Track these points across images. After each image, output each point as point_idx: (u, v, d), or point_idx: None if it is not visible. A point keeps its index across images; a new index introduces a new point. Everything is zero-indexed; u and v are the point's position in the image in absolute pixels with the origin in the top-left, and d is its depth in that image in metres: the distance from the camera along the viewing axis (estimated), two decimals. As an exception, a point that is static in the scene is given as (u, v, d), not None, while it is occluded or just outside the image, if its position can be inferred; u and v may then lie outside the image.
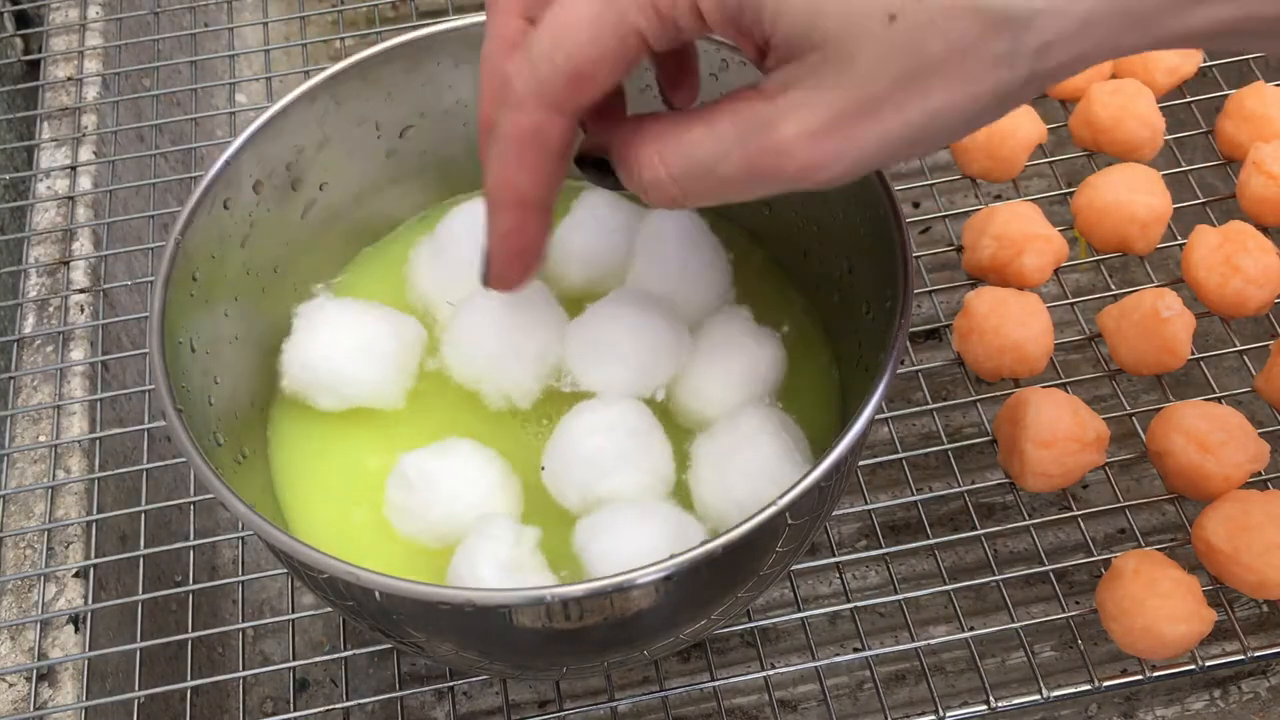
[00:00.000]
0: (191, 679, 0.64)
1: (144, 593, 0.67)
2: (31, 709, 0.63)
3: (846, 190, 0.58)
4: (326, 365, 0.58)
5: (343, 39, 0.94)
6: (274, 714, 0.73)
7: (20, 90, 0.92)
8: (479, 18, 0.63)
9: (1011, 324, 0.67)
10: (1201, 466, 0.63)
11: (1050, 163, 0.77)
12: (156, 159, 0.85)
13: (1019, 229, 0.70)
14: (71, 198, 0.82)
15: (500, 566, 0.52)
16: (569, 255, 0.62)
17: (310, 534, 0.59)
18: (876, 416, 0.50)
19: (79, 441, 0.71)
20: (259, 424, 0.62)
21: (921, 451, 0.69)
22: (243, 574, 0.68)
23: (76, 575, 0.67)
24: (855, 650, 0.70)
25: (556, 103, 0.39)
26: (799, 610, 0.64)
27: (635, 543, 0.52)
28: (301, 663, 0.66)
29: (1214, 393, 0.69)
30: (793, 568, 0.64)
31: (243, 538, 0.70)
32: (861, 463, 0.68)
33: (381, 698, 0.64)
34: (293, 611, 0.66)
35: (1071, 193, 0.74)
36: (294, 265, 0.64)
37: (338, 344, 0.58)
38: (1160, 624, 0.58)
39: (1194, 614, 0.59)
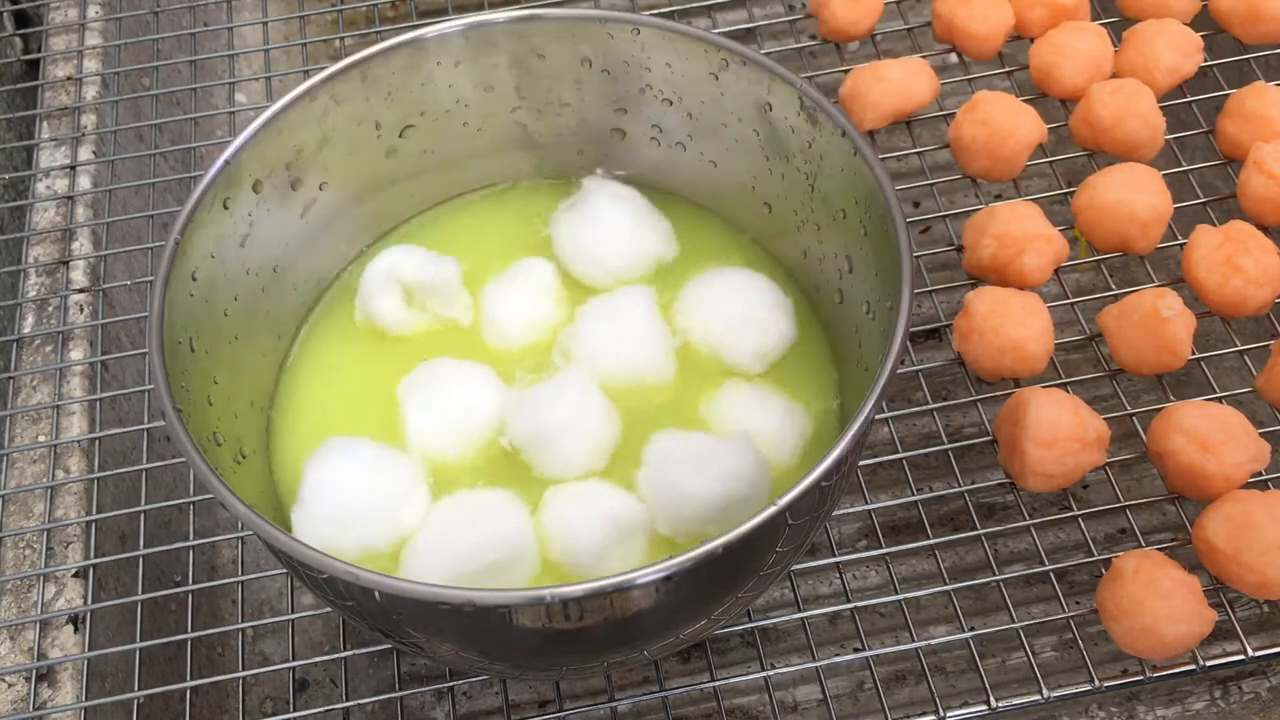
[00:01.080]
0: (191, 679, 0.64)
1: (144, 593, 0.66)
2: (31, 709, 0.62)
3: (846, 190, 0.58)
4: None
5: (343, 39, 0.94)
6: (274, 714, 0.73)
7: (20, 90, 0.92)
8: (479, 17, 0.63)
9: (1012, 324, 0.67)
10: (1202, 466, 0.62)
11: (1050, 162, 0.77)
12: (156, 159, 0.85)
13: (1019, 229, 0.70)
14: (71, 197, 0.82)
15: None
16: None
17: (310, 533, 0.59)
18: (876, 416, 0.50)
19: (78, 441, 0.71)
20: (259, 424, 0.62)
21: (921, 451, 0.69)
22: (242, 574, 0.68)
23: (76, 575, 0.67)
24: (855, 650, 0.70)
25: None
26: (799, 610, 0.64)
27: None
28: (301, 663, 0.66)
29: (1214, 393, 0.68)
30: (793, 568, 0.64)
31: (242, 538, 0.69)
32: (861, 463, 0.68)
33: (381, 698, 0.64)
34: (293, 611, 0.66)
35: (1072, 192, 0.74)
36: (294, 265, 0.64)
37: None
38: (1161, 624, 0.58)
39: (1194, 614, 0.59)
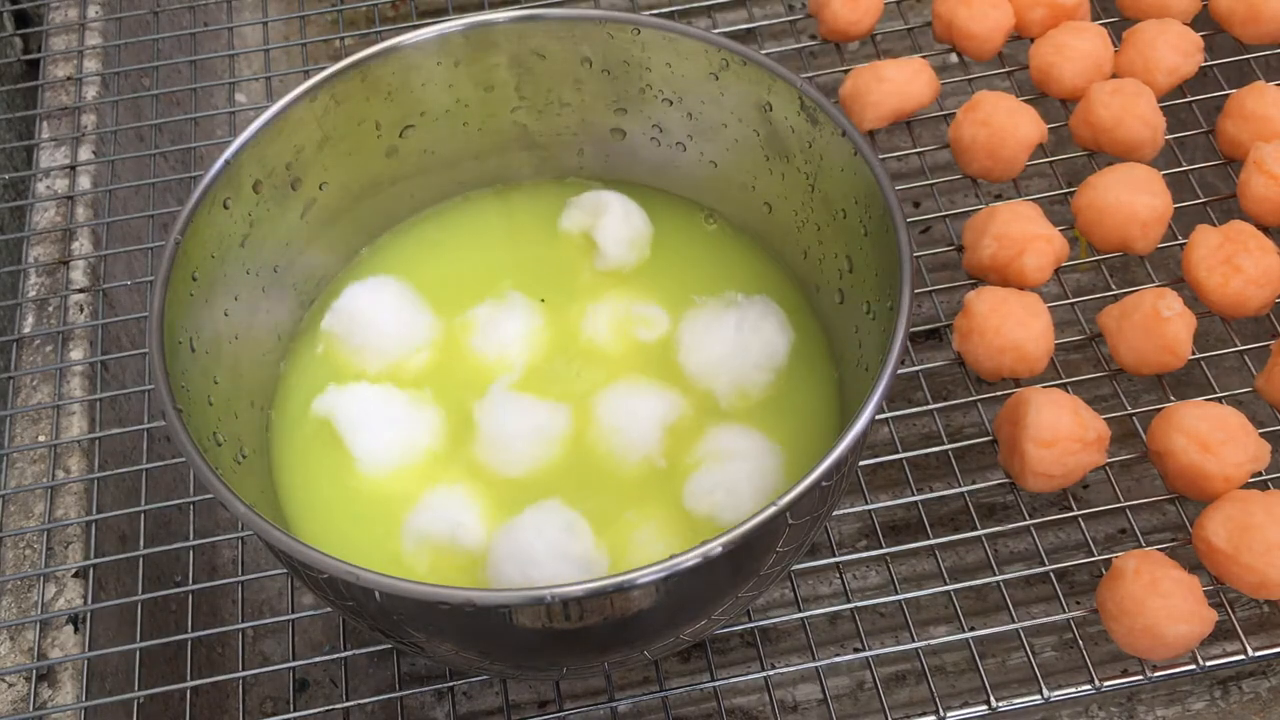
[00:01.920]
0: (191, 679, 0.64)
1: (144, 593, 0.66)
2: (31, 709, 0.62)
3: (846, 190, 0.58)
4: None
5: (343, 39, 0.94)
6: (274, 714, 0.73)
7: (20, 90, 0.92)
8: (479, 17, 0.63)
9: (1012, 324, 0.67)
10: (1202, 466, 0.62)
11: (1051, 162, 0.77)
12: (156, 159, 0.85)
13: (1019, 229, 0.70)
14: (71, 197, 0.82)
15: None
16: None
17: (310, 533, 0.59)
18: (876, 416, 0.50)
19: (78, 441, 0.71)
20: (259, 424, 0.62)
21: (922, 451, 0.69)
22: (242, 574, 0.68)
23: (76, 575, 0.67)
24: (855, 650, 0.70)
25: None
26: (799, 610, 0.64)
27: None
28: (301, 663, 0.66)
29: (1214, 393, 0.68)
30: (793, 568, 0.64)
31: (243, 538, 0.69)
32: (861, 463, 0.68)
33: (381, 698, 0.64)
34: (293, 611, 0.66)
35: (1072, 192, 0.74)
36: (294, 265, 0.64)
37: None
38: (1161, 624, 0.58)
39: (1194, 614, 0.59)
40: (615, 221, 0.66)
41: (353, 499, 0.60)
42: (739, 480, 0.59)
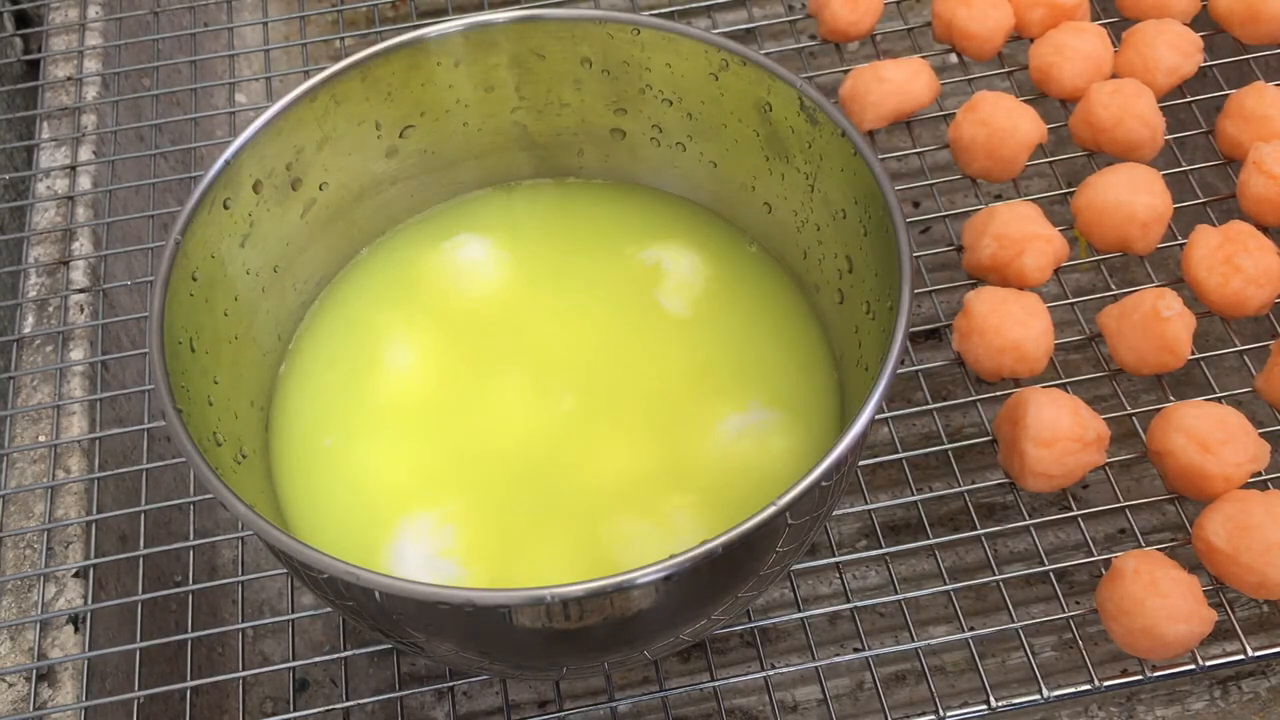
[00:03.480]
0: (191, 679, 0.64)
1: (144, 593, 0.66)
2: (31, 709, 0.63)
3: (846, 190, 0.58)
4: None
5: (343, 39, 0.94)
6: (274, 714, 0.73)
7: (20, 90, 0.92)
8: (479, 17, 0.63)
9: (1011, 324, 0.67)
10: (1201, 466, 0.62)
11: (1050, 162, 0.77)
12: (156, 159, 0.85)
13: (1019, 229, 0.70)
14: (71, 197, 0.82)
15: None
16: None
17: (310, 533, 0.59)
18: (876, 416, 0.50)
19: (79, 441, 0.71)
20: (259, 424, 0.62)
21: (921, 451, 0.69)
22: (243, 574, 0.68)
23: (76, 575, 0.67)
24: (855, 650, 0.70)
25: None
26: (799, 610, 0.64)
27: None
28: (301, 663, 0.66)
29: (1214, 393, 0.68)
30: (793, 568, 0.64)
31: (243, 538, 0.70)
32: (861, 463, 0.68)
33: (381, 698, 0.64)
34: (293, 611, 0.66)
35: (1072, 192, 0.74)
36: (294, 265, 0.64)
37: None
38: (1160, 624, 0.58)
39: (1194, 614, 0.59)
40: (673, 284, 0.66)
41: (353, 499, 0.60)
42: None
